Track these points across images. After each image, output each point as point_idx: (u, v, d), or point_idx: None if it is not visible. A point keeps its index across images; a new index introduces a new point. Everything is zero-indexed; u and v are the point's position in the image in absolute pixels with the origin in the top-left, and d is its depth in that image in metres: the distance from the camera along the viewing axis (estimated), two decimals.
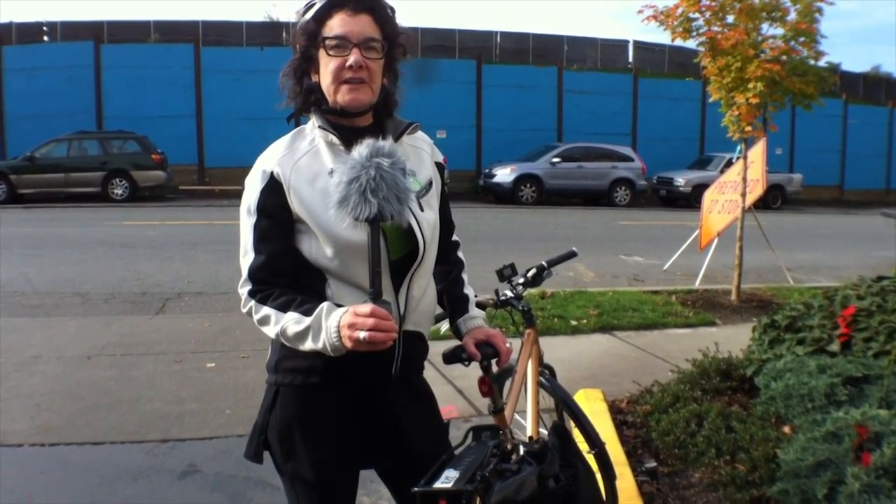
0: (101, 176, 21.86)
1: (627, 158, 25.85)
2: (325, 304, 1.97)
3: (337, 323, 1.90)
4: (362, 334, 1.82)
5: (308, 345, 1.97)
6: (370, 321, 1.83)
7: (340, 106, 2.10)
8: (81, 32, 28.52)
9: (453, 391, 5.70)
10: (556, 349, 6.89)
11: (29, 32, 30.37)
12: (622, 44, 37.99)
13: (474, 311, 2.49)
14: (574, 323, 7.86)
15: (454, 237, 2.57)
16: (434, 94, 28.39)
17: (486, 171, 26.06)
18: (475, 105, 29.95)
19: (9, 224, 16.02)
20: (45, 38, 30.86)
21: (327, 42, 2.07)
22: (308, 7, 2.12)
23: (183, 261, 11.75)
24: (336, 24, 2.07)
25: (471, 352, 2.38)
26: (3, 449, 4.70)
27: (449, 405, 5.35)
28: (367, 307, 1.86)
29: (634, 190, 25.53)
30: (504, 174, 24.76)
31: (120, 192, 22.01)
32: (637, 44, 37.35)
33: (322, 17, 2.09)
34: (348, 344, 1.87)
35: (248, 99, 24.52)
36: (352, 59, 2.05)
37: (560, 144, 26.99)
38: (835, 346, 4.69)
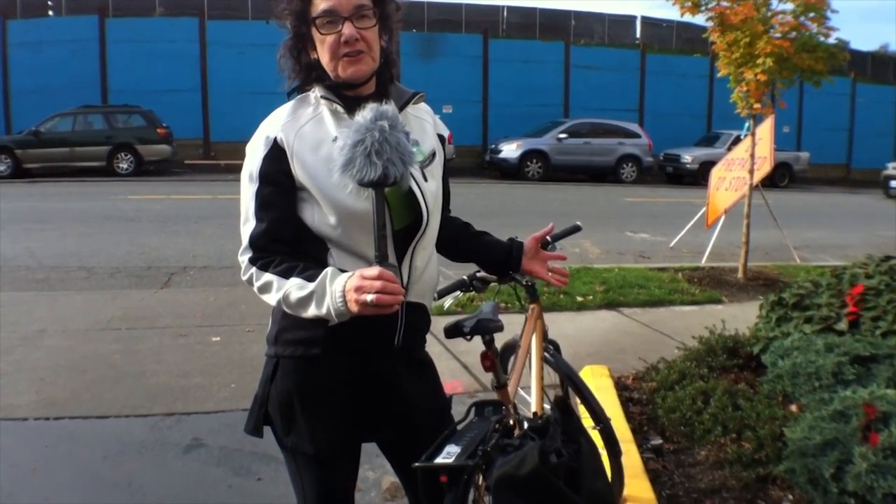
0: (106, 150, 21.85)
1: (634, 135, 25.74)
2: (329, 269, 1.93)
3: (343, 287, 1.86)
4: (370, 297, 1.79)
5: (311, 311, 1.94)
6: (378, 283, 1.79)
7: (343, 80, 2.07)
8: (86, 6, 28.35)
9: (459, 367, 5.69)
10: (562, 325, 6.88)
11: (34, 6, 30.15)
12: (630, 19, 37.71)
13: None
14: (580, 299, 7.84)
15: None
16: (440, 68, 28.32)
17: (493, 146, 25.94)
18: (481, 80, 29.81)
19: (14, 198, 16.01)
20: (51, 12, 30.69)
21: (318, 21, 2.03)
22: None
23: (188, 235, 11.73)
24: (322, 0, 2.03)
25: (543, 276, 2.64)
26: (8, 423, 4.70)
27: (454, 380, 5.35)
28: (374, 270, 1.83)
29: (641, 166, 25.41)
30: (510, 150, 24.64)
31: (125, 166, 22.01)
32: (645, 19, 37.08)
33: None
34: (354, 308, 1.83)
35: (254, 73, 24.32)
36: (346, 33, 2.01)
37: (567, 120, 26.87)
38: (842, 325, 4.67)
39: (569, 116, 28.69)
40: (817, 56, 8.42)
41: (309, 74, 2.13)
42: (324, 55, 2.06)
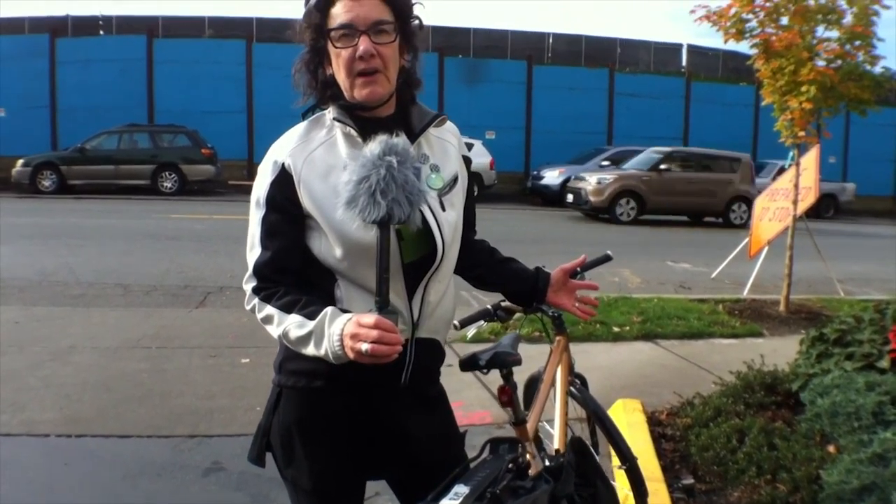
0: (150, 169, 22.16)
1: None
2: (329, 309, 1.84)
3: (340, 331, 1.77)
4: (365, 346, 1.69)
5: (310, 350, 1.86)
6: (373, 333, 1.69)
7: (358, 101, 1.97)
8: (137, 27, 28.89)
9: (488, 396, 5.56)
10: (597, 356, 6.75)
11: (85, 26, 30.81)
12: (676, 47, 37.65)
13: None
14: (616, 329, 7.69)
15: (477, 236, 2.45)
16: (484, 94, 28.38)
17: (535, 173, 25.84)
18: (525, 106, 29.82)
19: (57, 214, 16.22)
20: (101, 31, 31.27)
21: (333, 33, 1.94)
22: None
23: (227, 255, 11.74)
24: (340, 12, 1.93)
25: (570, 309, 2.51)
26: (30, 439, 4.68)
27: (483, 411, 5.23)
28: (371, 318, 1.73)
29: None
30: (552, 176, 24.51)
31: (169, 185, 22.27)
32: (691, 47, 37.01)
33: (325, 5, 1.95)
34: (350, 354, 1.75)
35: (299, 96, 24.54)
36: (361, 47, 1.91)
37: (609, 147, 26.71)
38: (885, 363, 4.49)
39: (612, 144, 28.53)
40: (863, 85, 8.25)
41: (325, 92, 2.04)
42: (339, 71, 1.98)
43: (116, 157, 22.01)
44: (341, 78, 1.98)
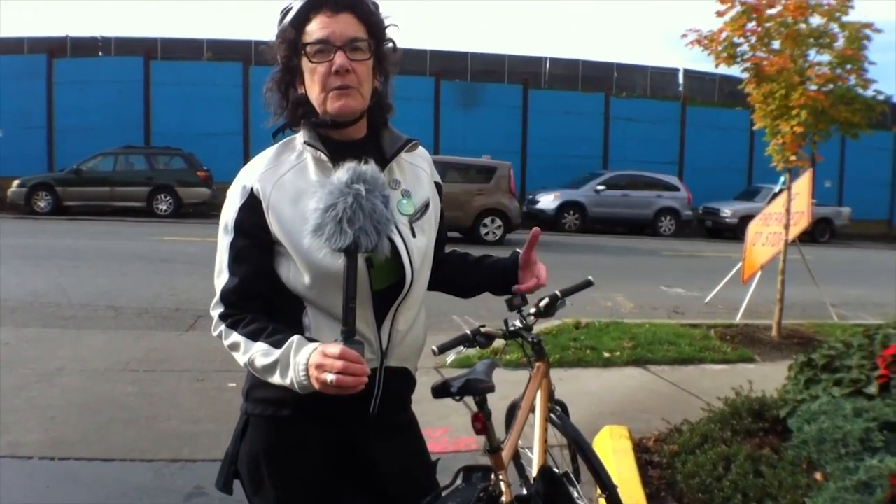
0: (146, 191, 22.18)
1: (673, 188, 25.56)
2: (295, 338, 1.81)
3: (306, 360, 1.74)
4: (330, 377, 1.66)
5: (276, 379, 1.83)
6: (338, 364, 1.67)
7: (330, 115, 1.96)
8: (135, 48, 28.95)
9: None
10: (586, 382, 6.73)
11: (83, 47, 30.85)
12: (672, 72, 37.72)
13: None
14: (607, 355, 7.66)
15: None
16: (479, 118, 28.46)
17: (530, 196, 25.89)
18: (521, 130, 29.89)
19: (51, 235, 16.21)
20: (100, 52, 31.35)
21: (308, 48, 1.93)
22: (284, 13, 1.98)
23: None
24: (316, 28, 1.93)
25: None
26: (13, 460, 4.65)
27: (469, 437, 5.19)
28: (336, 348, 1.70)
29: (679, 220, 25.18)
30: (548, 200, 24.59)
31: (164, 207, 22.27)
32: (687, 72, 37.07)
33: (300, 21, 1.95)
34: (316, 385, 1.72)
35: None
36: (337, 62, 1.91)
37: (605, 172, 26.79)
38: (873, 389, 4.46)
39: (608, 168, 28.61)
40: (854, 108, 8.26)
41: (295, 111, 2.03)
42: (313, 87, 1.97)
43: (112, 179, 22.02)
44: (314, 94, 1.97)
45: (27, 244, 14.83)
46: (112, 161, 22.43)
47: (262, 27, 60.00)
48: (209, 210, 23.29)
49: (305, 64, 1.96)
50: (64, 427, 5.23)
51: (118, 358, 7.03)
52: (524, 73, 32.57)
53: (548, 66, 36.02)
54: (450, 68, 31.68)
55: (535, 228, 2.38)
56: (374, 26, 2.00)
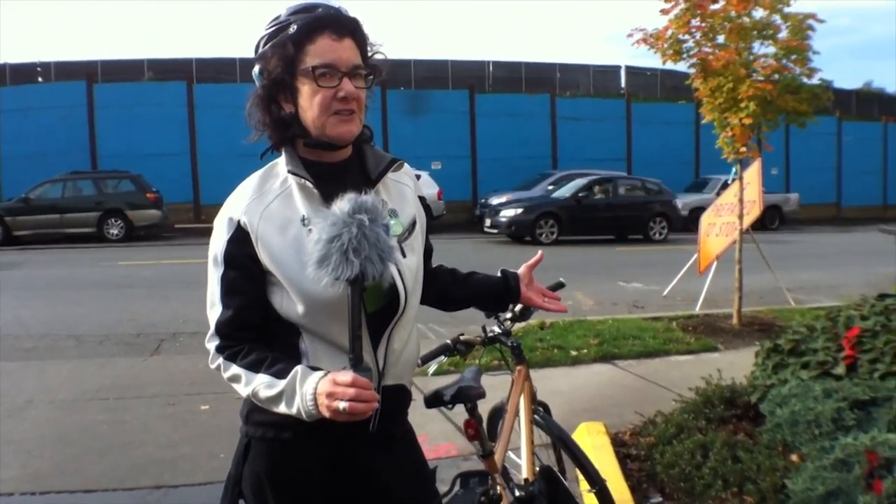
0: (96, 216, 21.91)
1: None
2: (299, 368, 1.83)
3: (313, 389, 1.76)
4: (342, 405, 1.67)
5: (281, 408, 1.84)
6: (350, 391, 1.68)
7: (328, 138, 1.96)
8: (76, 72, 28.60)
9: (452, 429, 5.56)
10: (557, 381, 6.79)
11: (23, 73, 30.46)
12: (614, 69, 38.19)
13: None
14: (574, 353, 7.74)
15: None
16: (428, 124, 28.50)
17: (482, 200, 25.94)
18: (469, 135, 30.00)
19: (3, 267, 15.94)
20: (40, 78, 30.95)
21: (316, 72, 1.91)
22: (279, 26, 1.96)
23: (178, 300, 11.61)
24: (321, 50, 1.92)
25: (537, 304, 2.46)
26: None
27: (448, 443, 5.24)
28: (347, 376, 1.71)
29: None
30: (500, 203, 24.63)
31: (115, 231, 22.02)
32: (629, 69, 37.55)
33: (301, 40, 1.92)
34: (326, 413, 1.73)
35: (243, 135, 24.34)
36: (346, 89, 1.92)
37: (555, 172, 27.01)
38: (840, 369, 4.58)
39: (557, 167, 28.81)
40: (801, 97, 8.45)
41: (284, 131, 2.01)
42: (312, 109, 1.94)
43: (61, 206, 21.71)
44: (312, 115, 1.95)
45: None
46: (60, 188, 22.14)
47: (202, 45, 59.45)
48: (160, 232, 23.10)
49: (306, 85, 1.94)
50: (40, 461, 5.16)
51: (85, 387, 6.95)
52: (468, 78, 32.78)
53: (491, 69, 36.28)
54: (394, 76, 31.72)
55: (540, 252, 2.49)
56: (364, 53, 2.02)
